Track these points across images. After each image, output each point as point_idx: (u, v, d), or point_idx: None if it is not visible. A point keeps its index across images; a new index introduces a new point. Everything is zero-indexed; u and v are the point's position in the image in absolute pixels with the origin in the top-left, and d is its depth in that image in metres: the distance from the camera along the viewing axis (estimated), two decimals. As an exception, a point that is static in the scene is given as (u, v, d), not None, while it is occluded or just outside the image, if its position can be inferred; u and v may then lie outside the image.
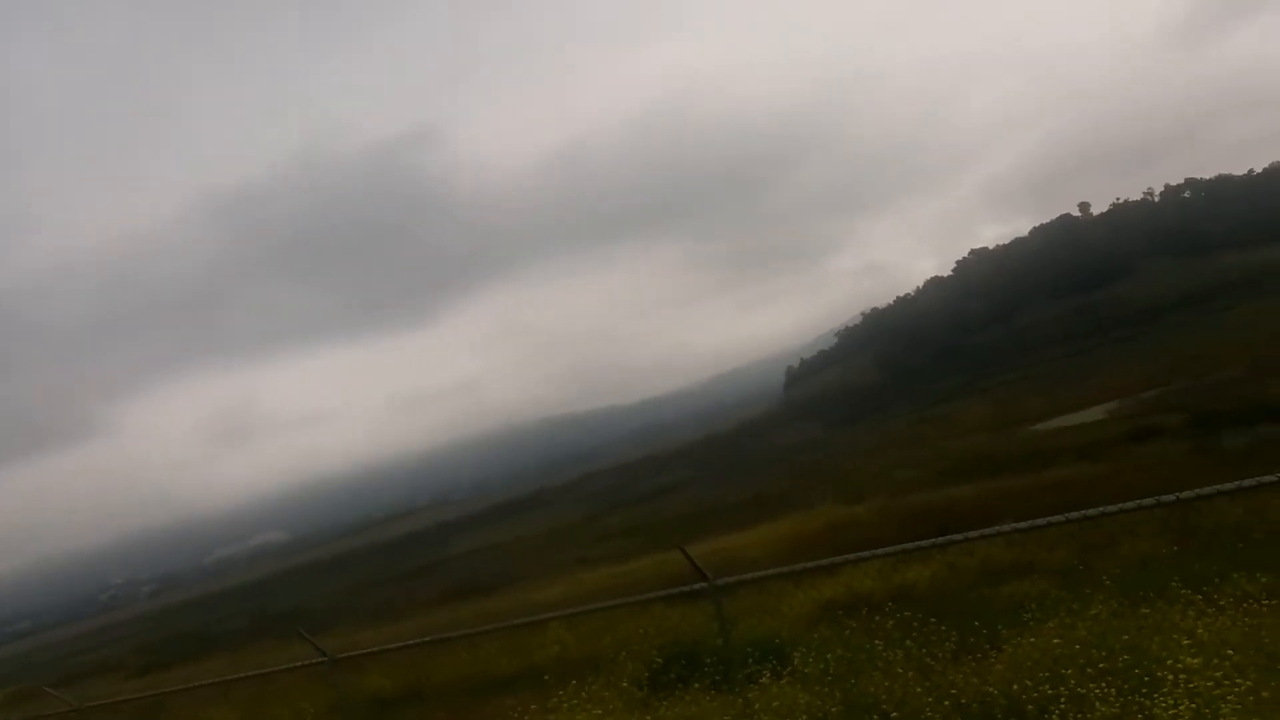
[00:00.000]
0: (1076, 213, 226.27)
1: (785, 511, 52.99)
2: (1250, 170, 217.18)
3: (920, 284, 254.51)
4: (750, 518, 56.27)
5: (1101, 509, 7.97)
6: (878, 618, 11.77)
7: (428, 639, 13.21)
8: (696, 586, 9.80)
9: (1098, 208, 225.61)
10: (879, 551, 9.21)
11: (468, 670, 20.30)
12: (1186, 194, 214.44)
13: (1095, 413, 74.54)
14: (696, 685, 12.39)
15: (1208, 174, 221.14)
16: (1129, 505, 7.83)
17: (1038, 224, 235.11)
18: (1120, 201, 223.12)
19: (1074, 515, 8.22)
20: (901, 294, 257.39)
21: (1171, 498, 7.61)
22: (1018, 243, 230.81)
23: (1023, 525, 8.59)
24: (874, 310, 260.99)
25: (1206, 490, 7.55)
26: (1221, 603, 9.19)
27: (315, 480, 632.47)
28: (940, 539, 8.89)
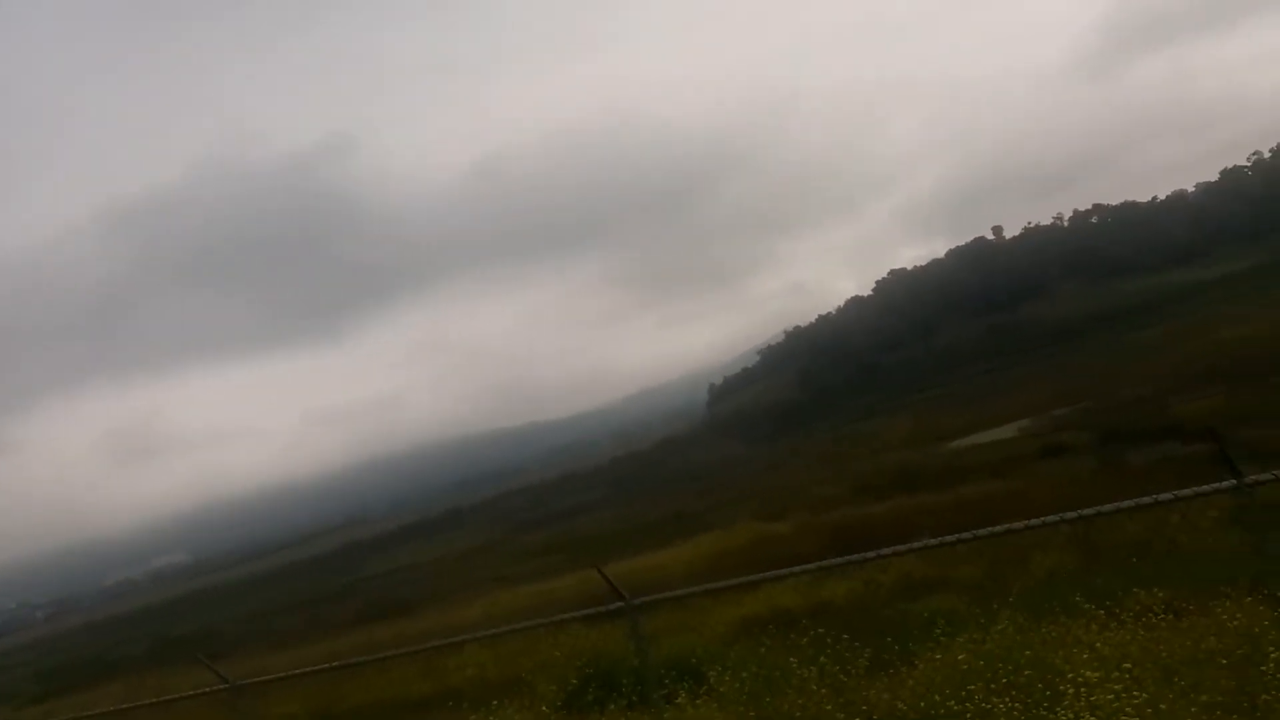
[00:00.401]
0: (990, 236, 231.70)
1: (707, 529, 53.09)
2: (1154, 197, 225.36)
3: (841, 303, 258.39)
4: (672, 535, 56.25)
5: (1011, 525, 8.10)
6: (792, 635, 11.81)
7: (338, 663, 12.86)
8: (613, 606, 9.73)
9: (1010, 231, 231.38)
10: (798, 569, 9.24)
11: (381, 694, 19.93)
12: (1094, 219, 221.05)
13: (1008, 430, 76.03)
14: (613, 706, 12.29)
15: (1115, 200, 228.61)
16: (1036, 522, 7.99)
17: (954, 246, 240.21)
18: (1032, 225, 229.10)
19: (985, 532, 8.35)
20: (823, 313, 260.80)
21: (1076, 515, 7.79)
22: (935, 264, 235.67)
23: (935, 542, 8.70)
24: (796, 329, 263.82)
25: (1108, 507, 7.73)
26: (1122, 617, 9.39)
27: (223, 500, 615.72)
28: (859, 555, 8.95)
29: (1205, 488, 7.38)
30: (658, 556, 45.20)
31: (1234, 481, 7.09)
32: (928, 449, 77.02)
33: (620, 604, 9.55)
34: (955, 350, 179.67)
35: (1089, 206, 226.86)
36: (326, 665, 13.47)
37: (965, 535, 8.33)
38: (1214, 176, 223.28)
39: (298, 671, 12.89)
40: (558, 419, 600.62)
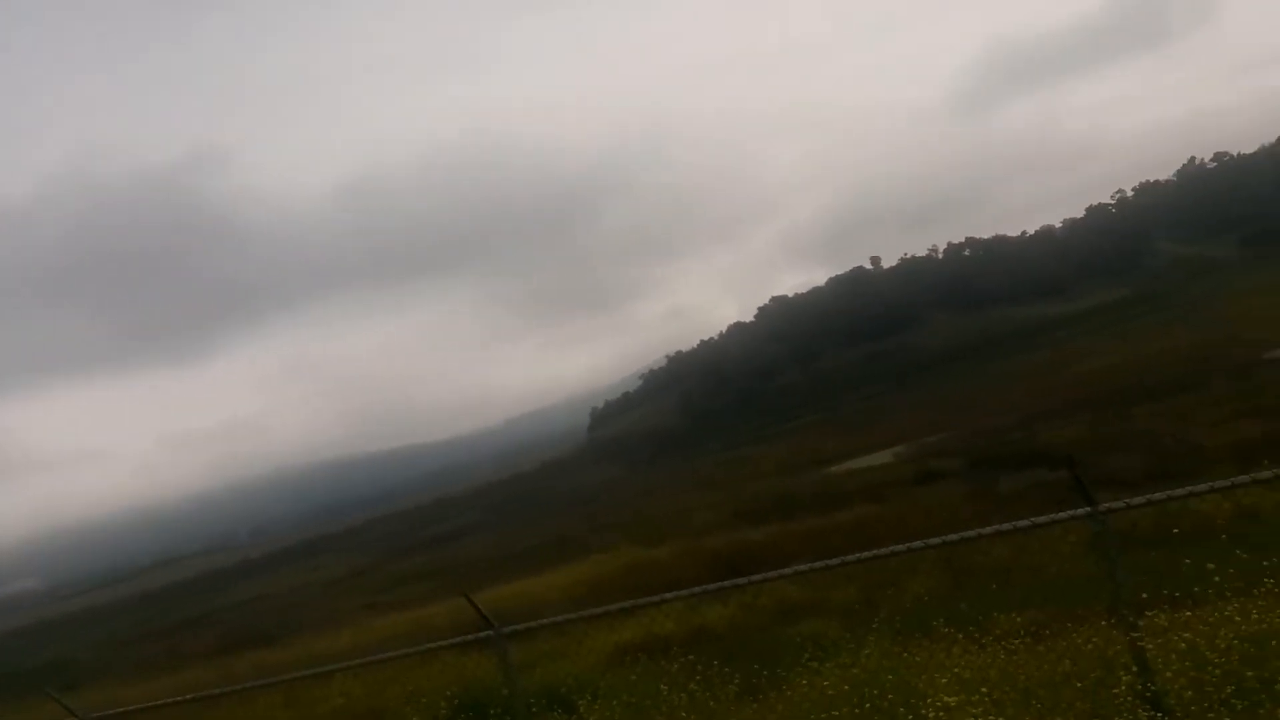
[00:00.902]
0: (868, 265, 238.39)
1: (586, 554, 52.75)
2: (1024, 231, 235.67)
3: (723, 329, 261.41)
4: (551, 560, 55.76)
5: (877, 552, 8.20)
6: (664, 662, 11.74)
7: (197, 695, 12.24)
8: (482, 635, 9.50)
9: (887, 261, 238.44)
10: (675, 594, 9.18)
11: (242, 727, 19.09)
12: (967, 252, 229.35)
13: (884, 456, 77.76)
14: (482, 736, 11.99)
15: (986, 234, 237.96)
16: (902, 548, 8.08)
17: (833, 274, 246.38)
18: (908, 256, 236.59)
19: (853, 558, 8.45)
20: (705, 338, 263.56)
21: (940, 540, 7.93)
22: (815, 291, 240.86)
23: (809, 567, 8.74)
24: (678, 353, 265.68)
25: (970, 533, 7.87)
26: (984, 640, 9.58)
27: (77, 524, 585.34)
28: (735, 581, 8.92)
29: (1061, 515, 7.58)
30: (536, 582, 44.70)
31: (1089, 509, 7.29)
32: (807, 474, 78.27)
33: (489, 632, 9.32)
34: (834, 377, 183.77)
35: (962, 239, 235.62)
36: (185, 697, 12.81)
37: (836, 561, 8.40)
38: (1080, 213, 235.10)
39: (154, 704, 12.22)
40: (434, 442, 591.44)
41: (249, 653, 47.69)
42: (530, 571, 52.04)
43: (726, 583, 9.02)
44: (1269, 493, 21.08)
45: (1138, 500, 7.35)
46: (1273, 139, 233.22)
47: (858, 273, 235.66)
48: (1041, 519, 7.74)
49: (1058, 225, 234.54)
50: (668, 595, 9.19)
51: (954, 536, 7.91)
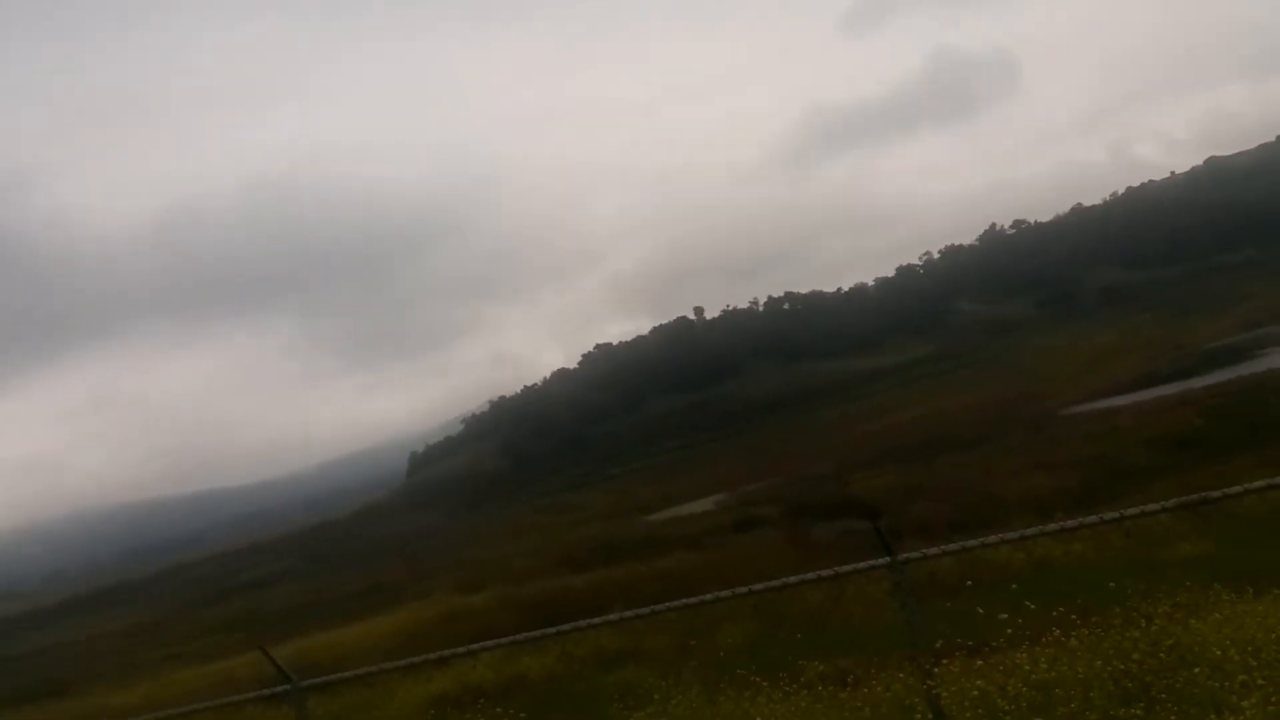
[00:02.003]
0: (692, 316, 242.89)
1: (402, 602, 51.36)
2: (839, 288, 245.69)
3: (547, 375, 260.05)
4: (365, 609, 54.02)
5: (702, 597, 8.21)
6: (468, 715, 11.40)
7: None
8: (279, 689, 9.00)
9: (711, 312, 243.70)
10: (491, 643, 8.94)
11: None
12: (786, 305, 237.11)
13: (705, 503, 78.92)
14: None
15: (805, 289, 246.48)
16: (712, 597, 8.12)
17: (658, 324, 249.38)
18: (730, 308, 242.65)
19: (677, 603, 8.43)
20: (529, 384, 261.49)
21: (746, 590, 8.01)
22: (639, 340, 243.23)
23: (630, 614, 8.67)
24: (501, 398, 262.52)
25: (776, 583, 7.97)
26: (792, 688, 9.69)
27: None
28: (553, 629, 8.74)
29: (862, 565, 7.78)
30: (348, 631, 43.14)
31: (888, 559, 7.50)
32: (629, 521, 78.61)
33: (286, 686, 8.83)
34: (658, 425, 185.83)
35: (781, 293, 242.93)
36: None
37: (661, 606, 8.41)
38: (891, 272, 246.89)
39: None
40: (245, 485, 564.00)
41: (39, 705, 44.19)
42: (344, 620, 50.23)
43: (544, 631, 8.84)
44: (1058, 544, 22.42)
45: (933, 551, 7.61)
46: (1066, 209, 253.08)
47: (681, 323, 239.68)
48: (845, 568, 7.92)
49: (870, 283, 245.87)
50: (484, 644, 8.95)
51: (760, 586, 8.01)
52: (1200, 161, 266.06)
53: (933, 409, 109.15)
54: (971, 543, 7.72)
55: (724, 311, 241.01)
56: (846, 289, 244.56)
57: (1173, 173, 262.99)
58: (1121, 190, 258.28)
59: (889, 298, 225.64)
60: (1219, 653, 7.37)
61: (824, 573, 7.93)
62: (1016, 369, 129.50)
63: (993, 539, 7.72)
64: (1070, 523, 7.85)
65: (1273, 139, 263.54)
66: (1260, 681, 6.79)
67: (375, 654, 29.02)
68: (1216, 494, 7.09)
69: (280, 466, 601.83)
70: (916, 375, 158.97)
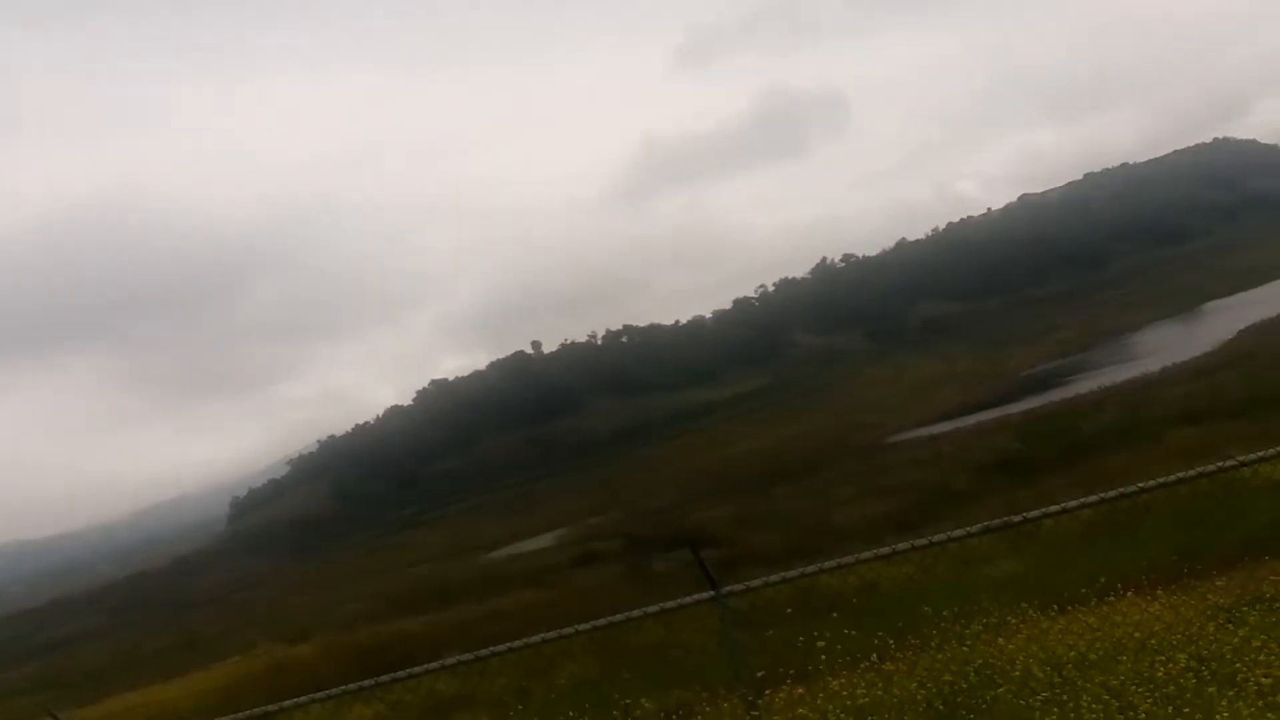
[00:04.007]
0: (530, 350, 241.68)
1: (222, 656, 48.82)
2: (677, 321, 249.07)
3: (380, 412, 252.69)
4: (181, 665, 51.05)
5: (538, 637, 8.06)
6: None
7: None
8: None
9: (548, 346, 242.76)
10: (318, 696, 8.46)
11: None
12: (624, 339, 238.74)
13: (545, 540, 78.43)
14: None
15: (643, 322, 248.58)
16: (556, 634, 7.96)
17: (495, 359, 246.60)
18: (568, 342, 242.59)
19: (515, 644, 8.23)
20: (361, 422, 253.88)
21: (570, 630, 7.85)
22: (476, 375, 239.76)
23: (467, 657, 8.42)
24: (330, 438, 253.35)
25: (601, 623, 7.85)
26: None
27: None
28: (384, 677, 8.34)
29: (688, 599, 7.74)
30: (163, 690, 40.69)
31: (713, 592, 7.48)
32: (466, 560, 77.39)
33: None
34: (496, 461, 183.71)
35: (620, 326, 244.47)
36: None
37: (499, 648, 8.20)
38: (728, 305, 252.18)
39: None
40: (44, 537, 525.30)
41: None
42: (159, 678, 47.35)
43: (375, 680, 8.44)
44: (886, 568, 23.07)
45: (756, 582, 7.63)
46: (893, 243, 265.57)
47: (519, 357, 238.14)
48: (670, 604, 7.86)
49: (708, 316, 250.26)
50: (311, 696, 8.48)
51: (586, 626, 7.87)
52: (1015, 198, 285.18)
53: (769, 439, 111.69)
54: (791, 573, 7.78)
55: (562, 345, 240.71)
56: (684, 321, 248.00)
57: (989, 209, 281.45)
58: (943, 226, 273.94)
59: (726, 330, 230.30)
60: (1024, 670, 7.63)
61: (650, 609, 7.84)
62: (848, 398, 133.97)
63: (811, 569, 7.78)
64: (890, 548, 7.95)
65: (1079, 177, 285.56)
66: (1063, 697, 7.04)
67: (191, 714, 27.44)
68: (1016, 519, 7.35)
69: (84, 516, 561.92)
70: (753, 406, 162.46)
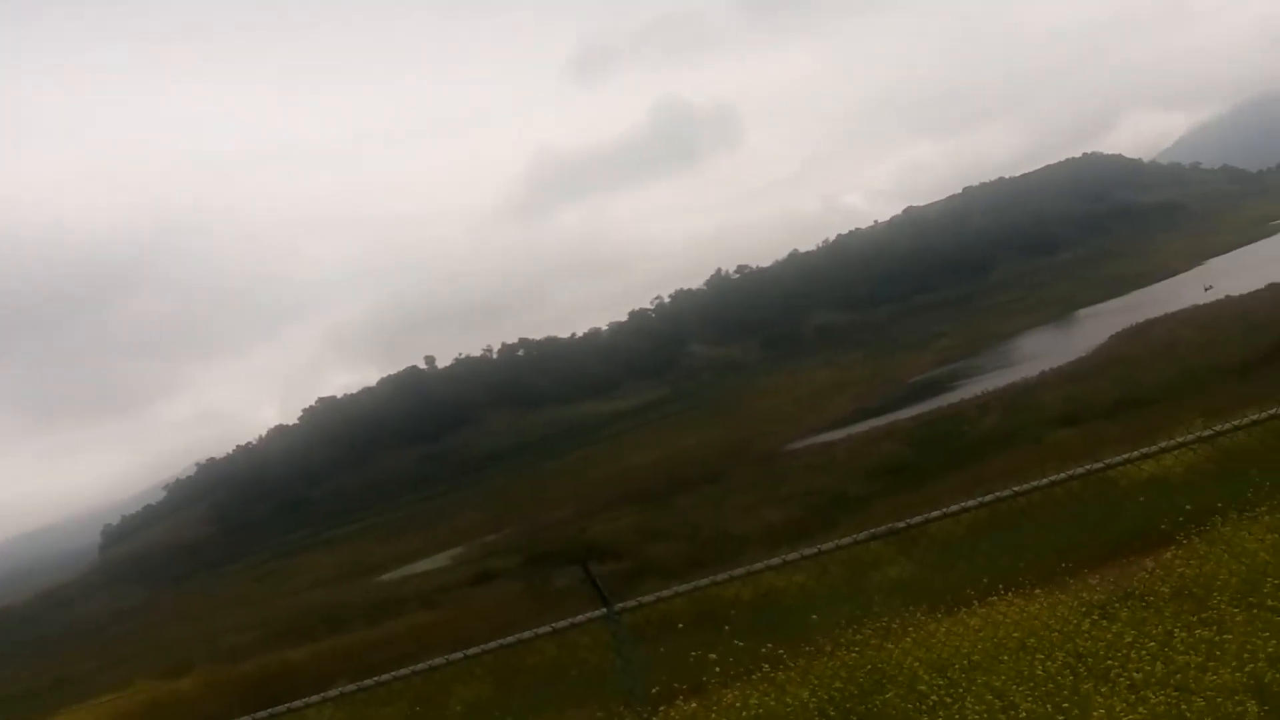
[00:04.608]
0: (423, 365, 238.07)
1: (96, 694, 46.64)
2: (574, 333, 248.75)
3: (264, 433, 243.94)
4: (51, 705, 48.54)
5: (419, 665, 7.83)
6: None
7: None
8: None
9: (442, 361, 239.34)
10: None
11: None
12: (520, 352, 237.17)
13: (441, 559, 77.40)
14: None
15: (539, 335, 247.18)
16: (442, 660, 7.76)
17: (386, 374, 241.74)
18: (463, 356, 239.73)
19: (403, 672, 7.97)
20: (242, 443, 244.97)
21: (478, 650, 7.65)
22: (366, 392, 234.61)
23: (352, 688, 8.15)
24: (210, 460, 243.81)
25: (491, 645, 7.70)
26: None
27: None
28: (262, 713, 7.98)
29: (580, 618, 7.64)
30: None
31: (604, 610, 7.40)
32: (357, 583, 75.82)
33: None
34: (388, 480, 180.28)
35: (516, 340, 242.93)
36: None
37: (387, 676, 7.89)
38: (624, 317, 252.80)
39: None
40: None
41: None
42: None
43: (255, 715, 8.09)
44: (780, 576, 23.32)
45: (649, 597, 7.56)
46: (785, 254, 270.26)
47: (412, 372, 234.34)
48: (562, 623, 7.75)
49: (605, 327, 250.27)
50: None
51: (475, 650, 7.68)
52: (900, 211, 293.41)
53: (668, 450, 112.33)
54: (684, 587, 7.73)
55: (457, 360, 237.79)
56: (581, 334, 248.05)
57: (876, 221, 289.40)
58: (833, 237, 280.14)
59: (623, 341, 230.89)
60: (911, 674, 7.74)
61: (541, 630, 7.71)
62: (745, 408, 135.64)
63: (704, 581, 7.74)
64: (780, 558, 7.97)
65: (959, 190, 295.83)
66: (948, 699, 7.16)
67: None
68: (902, 524, 7.47)
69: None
70: (652, 417, 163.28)
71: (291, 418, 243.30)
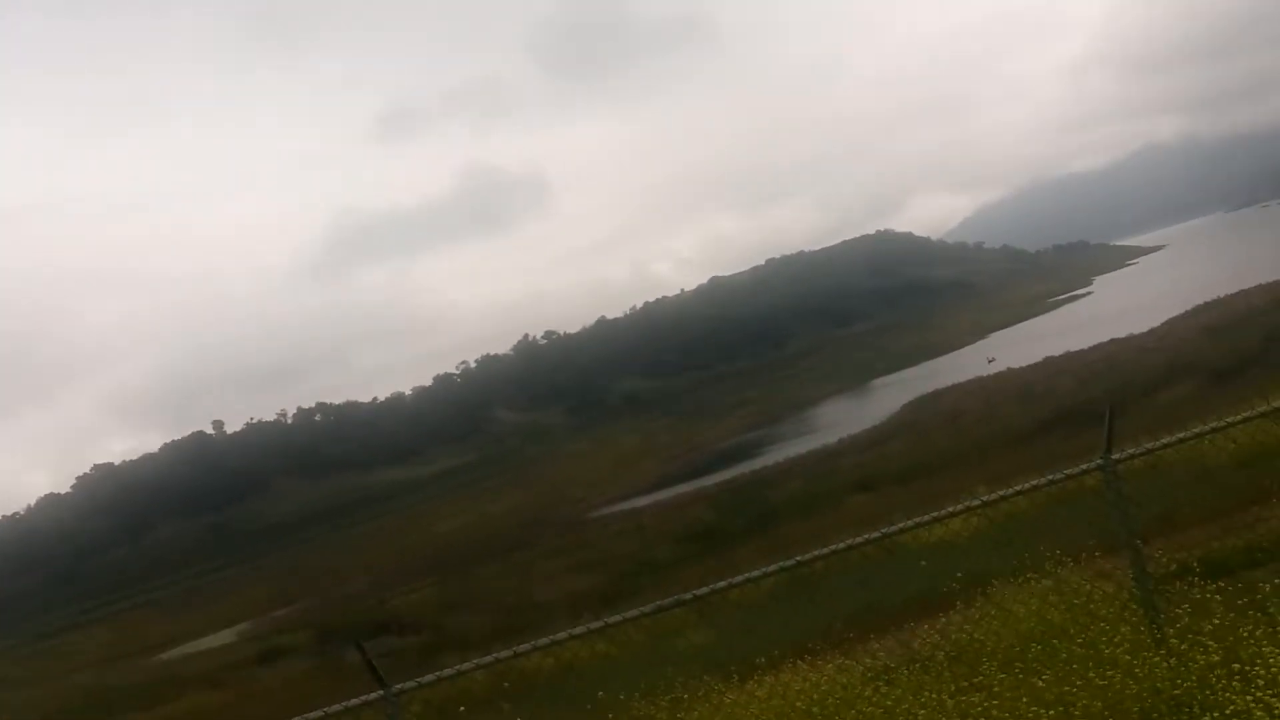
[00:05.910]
0: (211, 430, 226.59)
1: None
2: (375, 398, 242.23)
3: (32, 502, 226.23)
4: None
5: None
6: None
7: None
8: None
9: (232, 426, 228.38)
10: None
11: None
12: (318, 417, 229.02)
13: (226, 635, 73.39)
14: None
15: (338, 399, 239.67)
16: None
17: (170, 439, 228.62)
18: (255, 421, 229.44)
19: None
20: (8, 513, 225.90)
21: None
22: (148, 459, 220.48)
23: None
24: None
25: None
26: None
27: None
28: None
29: (354, 700, 7.11)
30: None
31: (382, 691, 6.93)
32: (134, 663, 70.59)
33: None
34: (171, 552, 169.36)
35: (313, 404, 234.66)
36: None
37: None
38: (429, 381, 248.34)
39: None
40: None
41: None
42: None
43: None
44: (583, 646, 22.95)
45: (429, 677, 7.13)
46: (593, 320, 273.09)
47: (198, 438, 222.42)
48: (335, 707, 7.17)
49: (408, 392, 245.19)
50: None
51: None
52: (705, 280, 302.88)
53: (473, 517, 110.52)
54: (465, 665, 7.33)
55: (248, 425, 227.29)
56: (383, 398, 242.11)
57: (683, 290, 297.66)
58: (640, 304, 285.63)
59: (427, 406, 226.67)
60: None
61: (311, 715, 7.10)
62: (551, 474, 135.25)
63: (492, 657, 7.36)
64: (584, 627, 7.68)
65: (762, 262, 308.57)
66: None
67: None
68: (695, 594, 7.31)
69: None
70: (456, 484, 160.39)
71: (64, 486, 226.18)
